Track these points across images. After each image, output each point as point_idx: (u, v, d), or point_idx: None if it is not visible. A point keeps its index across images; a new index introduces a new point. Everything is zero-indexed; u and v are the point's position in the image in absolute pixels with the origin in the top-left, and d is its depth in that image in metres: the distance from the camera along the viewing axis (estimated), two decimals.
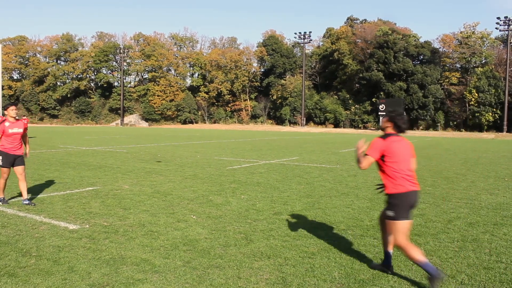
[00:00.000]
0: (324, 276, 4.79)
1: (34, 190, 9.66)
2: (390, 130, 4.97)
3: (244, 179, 11.82)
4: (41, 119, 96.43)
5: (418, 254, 4.57)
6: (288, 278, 4.73)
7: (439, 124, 72.63)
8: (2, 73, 66.40)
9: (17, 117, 8.37)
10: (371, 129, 73.08)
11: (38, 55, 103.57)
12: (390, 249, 5.01)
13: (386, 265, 4.99)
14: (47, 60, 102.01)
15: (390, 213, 4.74)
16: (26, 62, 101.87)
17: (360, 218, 7.48)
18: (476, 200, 9.40)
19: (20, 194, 8.68)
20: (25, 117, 31.47)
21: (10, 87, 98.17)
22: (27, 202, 8.18)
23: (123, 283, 4.50)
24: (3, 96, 68.88)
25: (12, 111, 8.21)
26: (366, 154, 4.80)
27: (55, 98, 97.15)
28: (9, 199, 8.66)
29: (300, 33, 77.89)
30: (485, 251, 5.77)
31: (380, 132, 5.07)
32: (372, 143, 4.84)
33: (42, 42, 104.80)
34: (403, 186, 4.78)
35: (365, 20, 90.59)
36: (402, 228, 4.68)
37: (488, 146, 31.98)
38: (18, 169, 8.29)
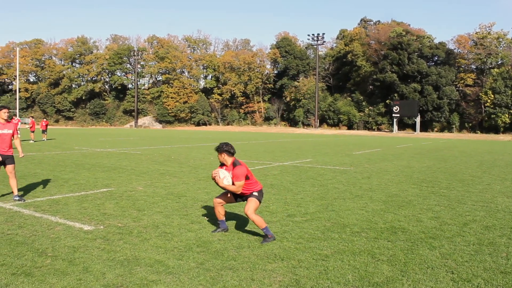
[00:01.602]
0: (337, 279, 4.76)
1: (50, 191, 9.76)
2: None
3: None
4: (57, 121, 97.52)
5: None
6: (301, 280, 4.71)
7: (454, 126, 71.95)
8: (19, 75, 67.21)
9: (8, 119, 8.92)
10: (385, 131, 72.63)
11: (54, 58, 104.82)
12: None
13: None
14: (63, 62, 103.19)
15: None
16: (42, 65, 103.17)
17: (374, 220, 7.44)
18: (493, 203, 9.28)
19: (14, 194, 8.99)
20: (16, 117, 31.87)
21: (26, 90, 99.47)
22: (17, 198, 8.65)
23: (137, 284, 4.52)
24: (20, 98, 69.78)
25: (4, 113, 8.75)
26: None
27: (70, 100, 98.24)
28: (2, 196, 9.01)
29: (313, 34, 77.83)
30: (502, 255, 5.70)
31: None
32: None
33: (57, 45, 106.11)
34: None
35: (379, 21, 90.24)
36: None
37: (504, 148, 31.60)
38: (9, 168, 8.75)
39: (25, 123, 52.98)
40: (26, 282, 4.51)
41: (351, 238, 6.33)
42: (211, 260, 5.28)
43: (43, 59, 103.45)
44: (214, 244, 5.91)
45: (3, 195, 9.14)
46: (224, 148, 6.32)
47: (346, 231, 6.73)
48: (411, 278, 4.80)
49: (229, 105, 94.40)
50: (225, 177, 6.26)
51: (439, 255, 5.61)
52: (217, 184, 6.34)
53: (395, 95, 74.19)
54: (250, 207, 6.20)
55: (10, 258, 5.22)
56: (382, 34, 79.40)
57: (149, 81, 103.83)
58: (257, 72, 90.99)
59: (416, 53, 74.59)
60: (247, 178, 6.34)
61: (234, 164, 6.32)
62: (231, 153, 6.36)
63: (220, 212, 6.58)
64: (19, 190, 9.79)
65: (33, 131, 30.69)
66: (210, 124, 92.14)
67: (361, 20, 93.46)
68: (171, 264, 5.11)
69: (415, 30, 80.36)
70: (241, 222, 7.17)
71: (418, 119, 68.36)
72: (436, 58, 77.13)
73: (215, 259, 5.32)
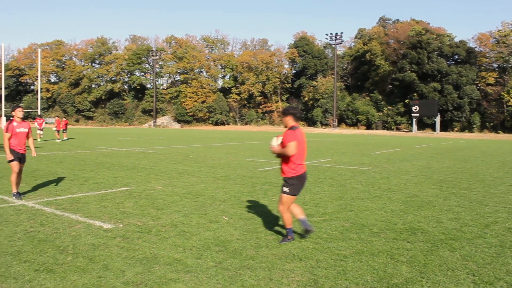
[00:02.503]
0: (356, 280, 4.73)
1: (71, 190, 9.90)
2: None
3: (275, 181, 11.81)
4: (77, 121, 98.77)
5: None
6: (319, 280, 4.70)
7: (475, 126, 70.93)
8: (40, 76, 68.27)
9: (23, 118, 9.28)
10: (404, 131, 71.96)
11: (74, 59, 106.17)
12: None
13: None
14: (83, 63, 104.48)
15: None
16: (63, 65, 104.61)
17: (393, 221, 7.37)
18: None
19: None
20: (40, 117, 32.31)
21: (47, 90, 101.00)
22: (17, 195, 8.92)
23: (156, 282, 4.55)
24: (41, 98, 70.86)
25: (19, 112, 9.13)
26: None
27: (90, 100, 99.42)
28: (23, 193, 9.15)
29: (331, 34, 77.40)
30: None
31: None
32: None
33: (77, 46, 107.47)
34: None
35: (398, 20, 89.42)
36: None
37: None
38: (22, 166, 9.14)
39: (47, 123, 53.80)
40: (48, 278, 4.59)
41: (370, 239, 6.29)
42: (229, 259, 5.30)
43: (63, 60, 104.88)
44: (233, 244, 5.93)
45: (24, 193, 9.29)
46: (290, 111, 6.04)
47: (365, 231, 6.68)
48: (431, 280, 4.75)
49: (247, 105, 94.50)
50: (273, 140, 6.03)
51: (459, 257, 5.54)
52: (273, 153, 6.06)
53: (415, 94, 73.41)
54: (281, 203, 6.05)
55: (33, 255, 5.31)
56: (401, 33, 78.64)
57: (167, 81, 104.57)
58: (275, 71, 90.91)
59: (436, 52, 73.68)
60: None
61: (291, 128, 5.98)
62: (297, 117, 6.04)
63: (295, 211, 6.25)
64: (40, 188, 9.99)
65: (58, 131, 31.14)
66: (228, 124, 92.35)
67: (379, 19, 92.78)
68: (189, 263, 5.14)
69: (435, 29, 79.40)
70: (259, 222, 7.18)
71: (438, 119, 67.53)
72: (456, 57, 76.08)
73: (233, 258, 5.34)
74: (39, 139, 28.80)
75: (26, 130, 9.14)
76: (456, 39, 78.14)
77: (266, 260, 5.28)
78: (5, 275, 4.66)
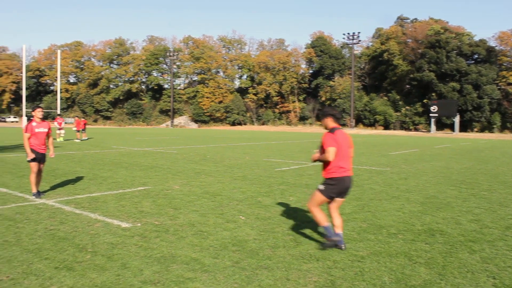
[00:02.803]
0: (373, 281, 4.70)
1: (89, 189, 10.01)
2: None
3: (292, 181, 11.79)
4: (95, 121, 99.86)
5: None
6: (337, 281, 4.68)
7: (495, 126, 69.87)
8: (60, 77, 69.17)
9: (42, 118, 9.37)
10: (423, 131, 71.24)
11: (93, 59, 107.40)
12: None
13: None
14: (101, 63, 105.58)
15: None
16: (82, 66, 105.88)
17: (411, 222, 7.31)
18: None
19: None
20: (60, 117, 32.56)
21: (67, 90, 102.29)
22: (37, 194, 9.05)
23: (174, 281, 4.58)
24: (61, 99, 71.73)
25: (38, 112, 9.20)
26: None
27: (108, 100, 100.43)
28: (43, 192, 9.28)
29: (348, 33, 76.94)
30: None
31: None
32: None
33: (96, 46, 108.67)
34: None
35: (416, 19, 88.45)
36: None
37: None
38: (40, 166, 9.19)
39: (66, 123, 54.37)
40: (68, 276, 4.65)
41: (388, 240, 6.24)
42: (246, 259, 5.31)
43: (82, 61, 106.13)
44: (250, 243, 5.94)
45: (44, 192, 9.43)
46: (330, 112, 5.84)
47: (383, 232, 6.64)
48: (450, 282, 4.70)
49: (264, 105, 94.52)
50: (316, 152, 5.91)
51: (479, 259, 5.47)
52: (313, 160, 5.94)
53: (433, 94, 72.63)
54: (311, 200, 5.90)
55: (53, 253, 5.39)
56: (419, 32, 77.88)
57: (184, 81, 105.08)
58: (292, 71, 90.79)
59: (455, 51, 72.77)
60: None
61: (330, 131, 5.76)
62: (337, 118, 5.82)
63: (332, 212, 6.01)
64: (60, 186, 10.13)
65: (78, 131, 31.44)
66: (245, 124, 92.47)
67: (397, 18, 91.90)
68: (207, 262, 5.17)
69: (454, 28, 78.44)
70: (276, 222, 7.17)
71: (457, 119, 66.69)
72: (476, 56, 75.05)
73: (250, 258, 5.34)
74: (59, 139, 29.08)
75: (46, 130, 9.22)
76: (476, 38, 77.09)
77: (283, 260, 5.28)
78: (26, 272, 4.74)
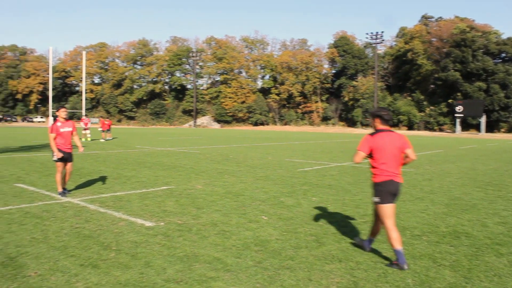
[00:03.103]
0: (397, 283, 4.65)
1: (113, 188, 10.15)
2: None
3: (315, 181, 11.75)
4: (119, 121, 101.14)
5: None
6: (360, 282, 4.64)
7: None
8: (85, 77, 70.29)
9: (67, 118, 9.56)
10: (447, 132, 70.16)
11: (117, 60, 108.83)
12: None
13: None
14: (125, 64, 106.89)
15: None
16: (106, 67, 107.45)
17: (436, 224, 7.20)
18: None
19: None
20: (86, 117, 32.89)
21: (91, 91, 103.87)
22: (65, 191, 9.31)
23: (196, 280, 4.62)
24: (86, 99, 72.88)
25: (62, 112, 9.38)
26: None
27: (132, 101, 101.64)
28: (70, 191, 9.46)
29: (372, 33, 76.23)
30: None
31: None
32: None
33: (120, 47, 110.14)
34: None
35: (441, 17, 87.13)
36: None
37: None
38: (69, 165, 9.41)
39: (92, 123, 55.15)
40: (93, 273, 4.73)
41: (411, 241, 6.17)
42: (268, 259, 5.31)
43: (107, 62, 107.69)
44: (272, 244, 5.94)
45: (70, 190, 9.59)
46: (377, 113, 5.50)
47: (406, 234, 6.56)
48: (476, 286, 4.62)
49: (287, 105, 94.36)
50: None
51: (507, 262, 5.36)
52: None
53: (458, 94, 71.43)
54: (381, 216, 5.36)
55: (79, 250, 5.48)
56: (444, 31, 76.70)
57: (207, 81, 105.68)
58: (315, 71, 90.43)
59: (481, 50, 71.41)
60: (370, 156, 5.40)
61: (372, 133, 5.48)
62: (385, 119, 5.46)
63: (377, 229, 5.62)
64: (85, 186, 10.31)
65: (103, 130, 31.83)
66: (267, 124, 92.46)
67: (422, 17, 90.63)
68: (229, 261, 5.19)
69: (480, 26, 76.97)
70: (299, 222, 7.16)
71: (483, 119, 65.46)
72: (503, 55, 73.48)
73: (272, 258, 5.35)
74: (84, 139, 29.46)
75: (70, 129, 9.38)
76: (504, 36, 75.48)
77: (306, 261, 5.26)
78: (53, 269, 4.84)
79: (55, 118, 9.75)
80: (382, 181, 5.30)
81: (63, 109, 9.42)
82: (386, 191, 5.28)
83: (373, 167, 5.39)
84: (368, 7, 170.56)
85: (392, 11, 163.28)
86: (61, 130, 9.22)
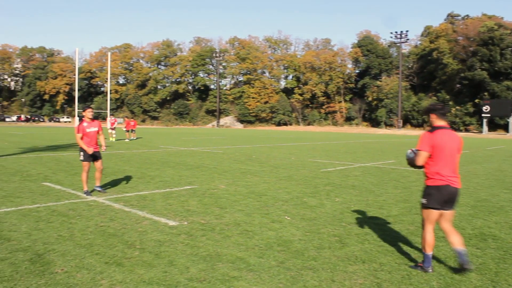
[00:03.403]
0: (421, 285, 4.59)
1: (138, 187, 10.27)
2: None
3: (338, 182, 11.68)
4: (143, 121, 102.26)
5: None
6: (383, 284, 4.60)
7: None
8: (110, 78, 71.27)
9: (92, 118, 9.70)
10: (474, 132, 68.89)
11: (141, 61, 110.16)
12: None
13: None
14: (149, 65, 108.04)
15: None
16: (131, 67, 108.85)
17: (462, 226, 7.08)
18: None
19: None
20: (113, 117, 33.15)
21: (116, 91, 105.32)
22: (99, 189, 9.60)
23: (219, 279, 4.64)
24: (110, 99, 73.82)
25: (89, 113, 9.52)
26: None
27: (156, 101, 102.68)
28: (92, 191, 9.54)
29: (396, 32, 75.38)
30: None
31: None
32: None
33: (144, 48, 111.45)
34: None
35: (468, 15, 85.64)
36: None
37: None
38: (98, 163, 9.56)
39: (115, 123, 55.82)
40: (117, 271, 4.79)
41: (436, 243, 6.06)
42: (291, 259, 5.30)
43: (131, 62, 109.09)
44: (295, 244, 5.92)
45: (105, 189, 9.72)
46: (433, 107, 5.07)
47: None
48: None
49: (310, 105, 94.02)
50: (407, 152, 5.27)
51: None
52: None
53: (485, 93, 70.04)
54: (423, 218, 5.14)
55: (103, 248, 5.57)
56: (471, 29, 75.27)
57: (230, 81, 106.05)
58: (338, 71, 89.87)
59: (510, 48, 69.84)
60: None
61: (430, 130, 5.03)
62: (441, 113, 5.01)
63: (452, 239, 5.04)
64: (109, 185, 10.45)
65: (127, 131, 32.20)
66: (290, 124, 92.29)
67: (447, 16, 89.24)
68: (252, 261, 5.20)
69: (509, 23, 75.27)
70: (322, 223, 7.12)
71: (511, 119, 64.06)
72: None
73: (295, 258, 5.33)
74: (111, 139, 29.78)
75: (96, 129, 9.52)
76: None
77: (329, 262, 5.24)
78: (79, 266, 4.92)
79: (81, 118, 9.92)
80: (436, 185, 4.92)
81: (89, 110, 9.57)
82: (437, 196, 4.91)
83: (427, 168, 4.99)
84: (393, 6, 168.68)
85: (418, 10, 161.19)
86: (87, 130, 9.37)
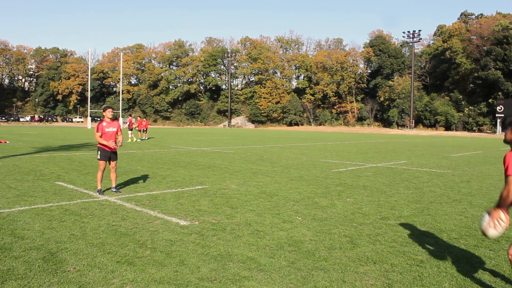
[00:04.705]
0: (433, 286, 4.56)
1: (149, 187, 10.32)
2: None
3: (350, 182, 11.64)
4: (155, 121, 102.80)
5: None
6: (394, 285, 4.57)
7: None
8: (122, 78, 71.69)
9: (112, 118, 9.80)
10: (487, 132, 68.22)
11: (153, 61, 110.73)
12: None
13: None
14: (161, 65, 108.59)
15: None
16: (143, 68, 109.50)
17: (474, 227, 7.02)
18: None
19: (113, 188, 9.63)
20: (130, 117, 33.05)
21: (128, 91, 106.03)
22: (114, 189, 9.63)
23: (230, 279, 4.65)
24: (123, 99, 74.33)
25: (109, 113, 9.60)
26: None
27: (168, 101, 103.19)
28: (105, 191, 9.61)
29: (408, 32, 74.94)
30: None
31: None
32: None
33: (156, 49, 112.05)
34: None
35: (481, 14, 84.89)
36: None
37: None
38: (112, 164, 9.64)
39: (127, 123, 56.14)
40: (128, 270, 4.82)
41: (448, 244, 6.03)
42: (302, 259, 5.29)
43: (143, 63, 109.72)
44: (306, 244, 5.92)
45: (107, 189, 9.81)
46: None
47: (443, 236, 6.42)
48: None
49: (322, 105, 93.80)
50: (484, 218, 4.37)
51: None
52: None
53: (499, 93, 69.33)
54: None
55: (115, 247, 5.60)
56: (485, 28, 74.57)
57: (242, 81, 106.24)
58: (350, 71, 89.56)
59: None
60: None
61: None
62: None
63: None
64: (121, 184, 10.52)
65: (139, 130, 32.29)
66: (302, 124, 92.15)
67: (461, 15, 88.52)
68: (262, 261, 5.20)
69: None
70: (333, 223, 7.10)
71: None
72: None
73: (306, 258, 5.33)
74: (130, 140, 29.48)
75: (115, 129, 9.61)
76: None
77: (339, 262, 5.22)
78: (91, 265, 4.96)
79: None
80: None
81: (109, 109, 9.64)
82: None
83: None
84: (405, 5, 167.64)
85: (431, 9, 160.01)
86: (106, 130, 9.47)
